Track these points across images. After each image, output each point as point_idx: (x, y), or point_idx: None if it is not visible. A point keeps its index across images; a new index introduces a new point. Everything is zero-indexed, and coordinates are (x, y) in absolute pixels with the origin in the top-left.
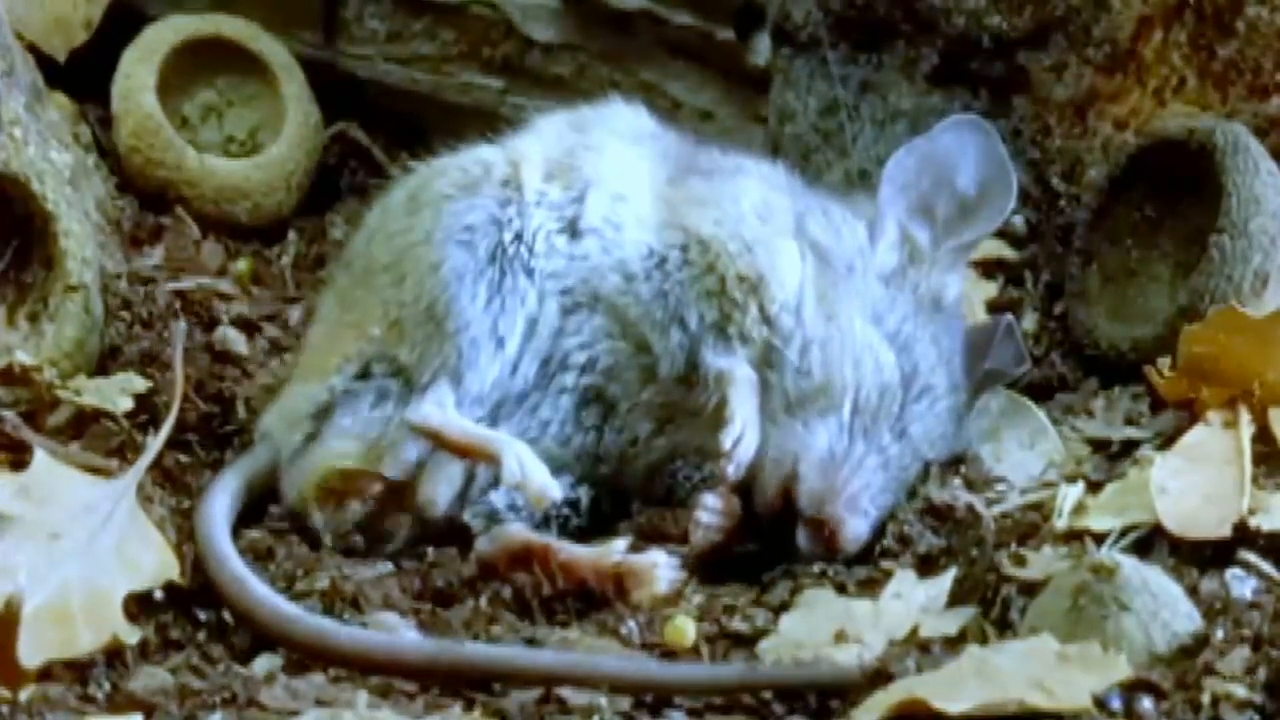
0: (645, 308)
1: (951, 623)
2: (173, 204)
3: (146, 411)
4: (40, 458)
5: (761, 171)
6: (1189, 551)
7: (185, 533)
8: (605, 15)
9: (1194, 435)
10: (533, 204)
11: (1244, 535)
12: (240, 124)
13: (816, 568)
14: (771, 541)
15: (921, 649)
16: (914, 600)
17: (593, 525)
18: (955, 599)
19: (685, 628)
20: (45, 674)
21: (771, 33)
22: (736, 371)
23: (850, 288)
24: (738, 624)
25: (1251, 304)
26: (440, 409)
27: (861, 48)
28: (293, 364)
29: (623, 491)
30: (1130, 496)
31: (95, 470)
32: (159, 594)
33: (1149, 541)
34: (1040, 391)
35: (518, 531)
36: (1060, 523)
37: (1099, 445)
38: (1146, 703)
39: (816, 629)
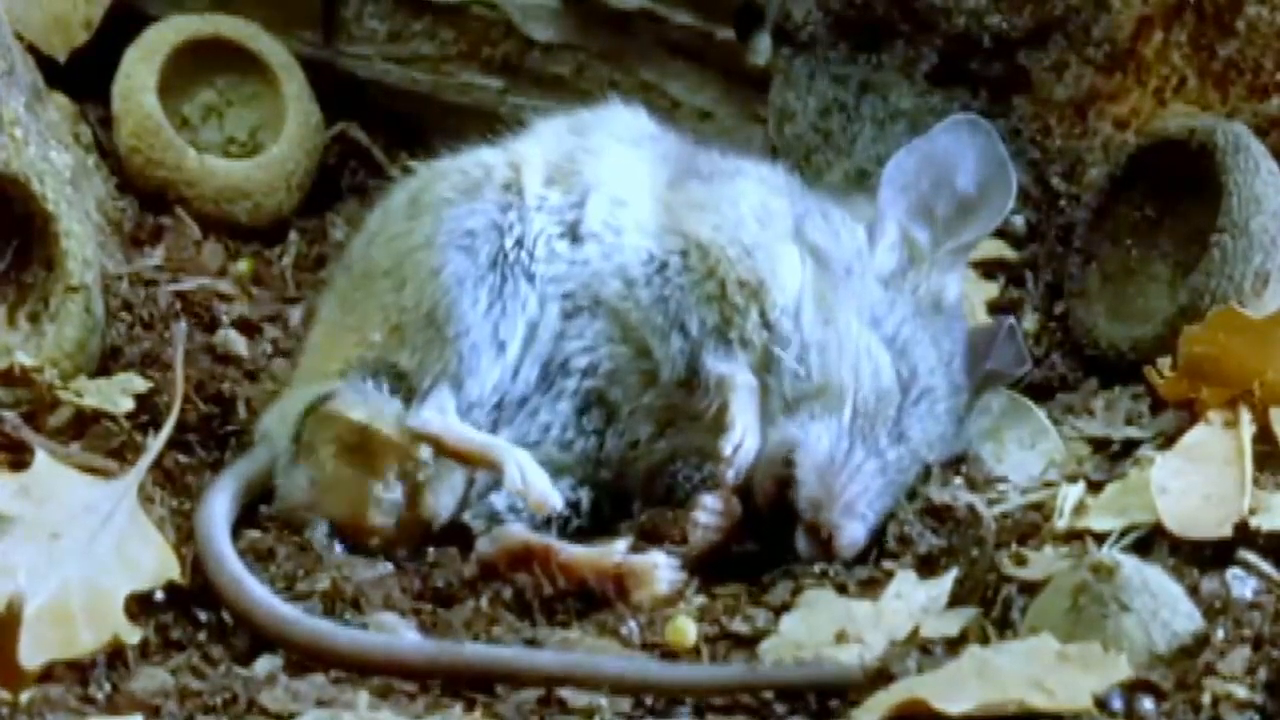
0: (646, 313)
1: (952, 623)
2: (173, 204)
3: (147, 412)
4: (41, 458)
5: (760, 174)
6: (1189, 551)
7: (185, 533)
8: (605, 15)
9: (1194, 435)
10: (533, 209)
11: (1244, 535)
12: (240, 124)
13: (817, 568)
14: (771, 542)
15: (922, 649)
16: (915, 600)
17: (593, 526)
18: (956, 599)
19: (686, 628)
20: (46, 674)
21: (771, 32)
22: (737, 377)
23: (849, 291)
24: (738, 624)
25: (1252, 304)
26: (441, 414)
27: (861, 47)
28: (293, 365)
29: (623, 493)
30: (1131, 496)
31: (95, 471)
32: (159, 594)
33: (1149, 541)
34: (1041, 391)
35: (518, 532)
36: (1061, 523)
37: (1099, 445)
38: (1147, 703)
39: (817, 629)
